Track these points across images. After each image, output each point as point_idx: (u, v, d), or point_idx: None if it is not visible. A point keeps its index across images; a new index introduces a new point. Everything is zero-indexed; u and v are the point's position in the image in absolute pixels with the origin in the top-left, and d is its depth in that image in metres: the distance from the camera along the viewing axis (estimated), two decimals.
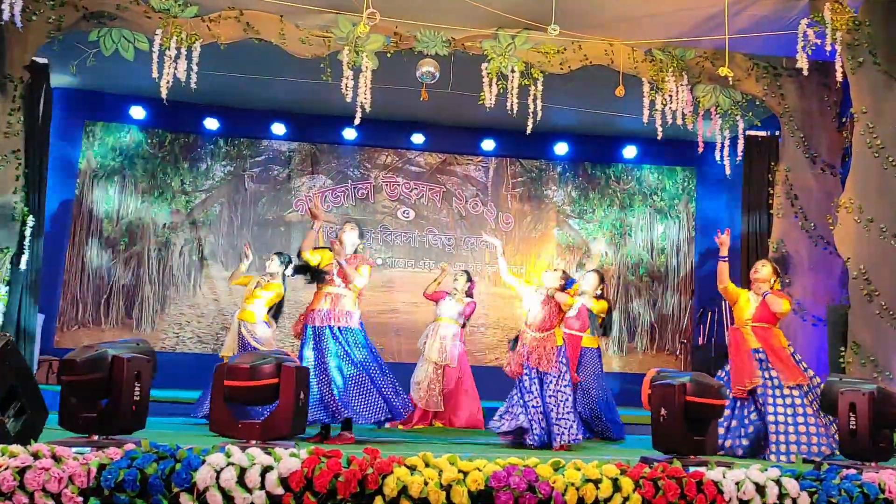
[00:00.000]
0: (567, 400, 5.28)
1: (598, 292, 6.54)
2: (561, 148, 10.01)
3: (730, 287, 5.62)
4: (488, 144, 9.93)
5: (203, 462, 2.82)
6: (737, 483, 3.08)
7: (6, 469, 2.67)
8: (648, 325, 10.03)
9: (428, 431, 6.58)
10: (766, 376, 5.34)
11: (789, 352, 5.43)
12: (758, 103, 7.68)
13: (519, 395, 5.29)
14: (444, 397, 6.91)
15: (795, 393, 5.24)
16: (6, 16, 5.88)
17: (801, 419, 5.18)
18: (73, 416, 3.52)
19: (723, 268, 5.60)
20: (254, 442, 3.53)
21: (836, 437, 4.89)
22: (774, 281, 5.59)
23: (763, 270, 5.55)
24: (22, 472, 2.68)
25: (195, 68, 6.68)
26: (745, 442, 5.25)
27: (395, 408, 5.16)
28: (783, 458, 5.07)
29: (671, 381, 3.97)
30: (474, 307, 7.25)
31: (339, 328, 5.18)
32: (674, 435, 3.92)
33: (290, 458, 2.87)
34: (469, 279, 7.24)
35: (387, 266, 9.78)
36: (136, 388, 3.48)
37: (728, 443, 5.28)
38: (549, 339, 5.36)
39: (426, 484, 2.87)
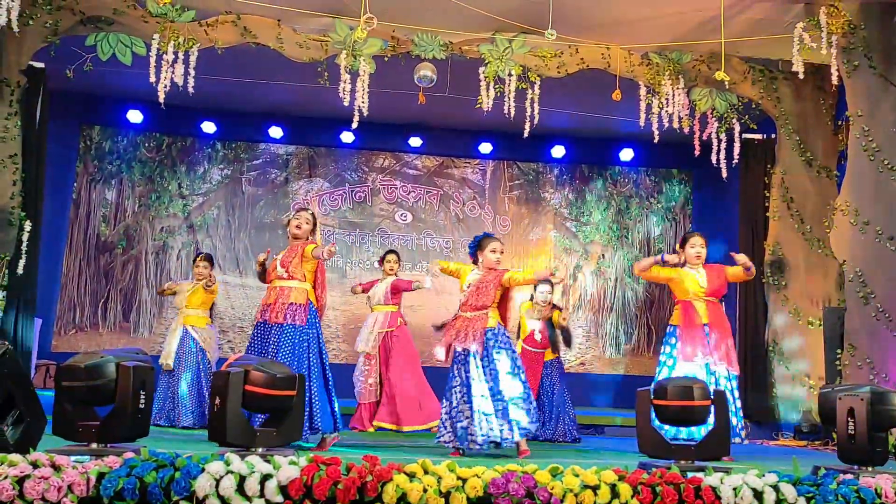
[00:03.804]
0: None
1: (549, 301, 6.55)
2: (558, 151, 10.02)
3: (654, 270, 5.57)
4: (486, 147, 9.93)
5: (202, 470, 2.81)
6: (734, 489, 3.09)
7: (5, 478, 2.66)
8: (646, 327, 10.05)
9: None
10: (705, 351, 5.48)
11: (730, 332, 5.59)
12: (754, 106, 7.70)
13: None
14: (383, 387, 6.55)
15: (723, 373, 5.41)
16: (3, 20, 5.86)
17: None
18: (70, 424, 3.51)
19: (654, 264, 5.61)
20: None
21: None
22: None
23: (705, 249, 5.57)
24: (21, 481, 2.67)
25: (192, 72, 6.69)
26: None
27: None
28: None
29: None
30: (400, 282, 6.84)
31: (281, 325, 4.78)
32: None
33: (289, 466, 2.87)
34: (398, 259, 7.02)
35: None
36: (142, 396, 3.50)
37: None
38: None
39: (425, 491, 2.87)
